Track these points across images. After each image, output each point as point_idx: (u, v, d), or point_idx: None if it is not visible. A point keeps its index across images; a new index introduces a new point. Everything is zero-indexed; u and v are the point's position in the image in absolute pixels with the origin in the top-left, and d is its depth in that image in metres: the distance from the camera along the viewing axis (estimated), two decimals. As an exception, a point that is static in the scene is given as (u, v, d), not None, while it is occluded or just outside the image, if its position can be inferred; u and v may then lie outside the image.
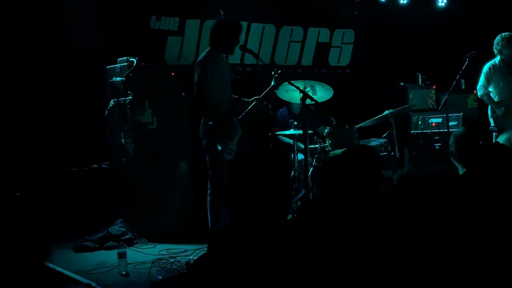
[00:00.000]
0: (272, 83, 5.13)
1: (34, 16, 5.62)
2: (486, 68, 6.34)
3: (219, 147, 4.83)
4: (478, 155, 2.70)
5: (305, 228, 2.15)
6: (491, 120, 6.36)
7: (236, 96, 5.10)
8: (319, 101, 5.37)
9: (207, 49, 5.01)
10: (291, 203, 5.49)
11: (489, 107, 6.39)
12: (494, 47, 6.27)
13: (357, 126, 6.09)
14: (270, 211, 2.02)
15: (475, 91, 7.02)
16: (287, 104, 6.67)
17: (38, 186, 5.30)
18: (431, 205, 2.13)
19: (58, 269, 4.38)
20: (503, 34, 6.21)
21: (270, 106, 5.46)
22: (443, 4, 8.22)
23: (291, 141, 6.19)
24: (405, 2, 8.03)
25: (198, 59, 5.02)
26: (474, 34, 7.60)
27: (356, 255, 2.16)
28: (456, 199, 2.12)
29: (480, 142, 4.27)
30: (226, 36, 4.94)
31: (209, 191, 5.00)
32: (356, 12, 8.03)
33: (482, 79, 6.36)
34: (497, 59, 6.31)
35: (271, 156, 2.13)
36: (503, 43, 6.18)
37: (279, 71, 5.17)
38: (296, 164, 6.08)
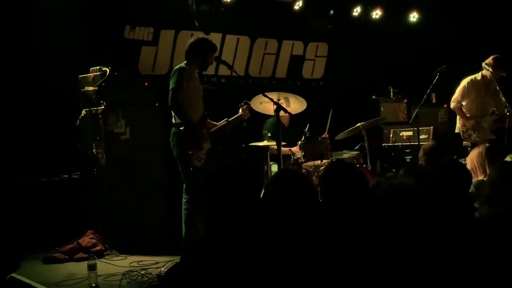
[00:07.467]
0: (240, 112, 5.29)
1: (6, 23, 5.55)
2: (464, 82, 6.36)
3: (189, 152, 4.94)
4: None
5: (281, 235, 2.15)
6: (460, 133, 6.42)
7: (206, 113, 5.20)
8: (293, 113, 5.41)
9: (183, 62, 5.13)
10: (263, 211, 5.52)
11: (458, 121, 6.45)
12: (485, 63, 6.13)
13: (323, 137, 6.10)
14: (244, 219, 2.02)
15: (445, 105, 7.10)
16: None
17: (6, 196, 5.20)
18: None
19: (26, 281, 4.31)
20: (498, 55, 6.11)
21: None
22: (414, 19, 8.37)
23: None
24: (377, 16, 8.16)
25: (175, 68, 5.13)
26: (445, 49, 7.74)
27: (338, 262, 2.17)
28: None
29: (455, 157, 4.33)
30: (202, 54, 5.12)
31: (184, 200, 5.04)
32: (329, 26, 8.12)
33: (457, 93, 6.40)
34: (479, 75, 6.31)
35: (244, 166, 2.14)
36: (499, 64, 6.06)
37: (246, 105, 5.32)
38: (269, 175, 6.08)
